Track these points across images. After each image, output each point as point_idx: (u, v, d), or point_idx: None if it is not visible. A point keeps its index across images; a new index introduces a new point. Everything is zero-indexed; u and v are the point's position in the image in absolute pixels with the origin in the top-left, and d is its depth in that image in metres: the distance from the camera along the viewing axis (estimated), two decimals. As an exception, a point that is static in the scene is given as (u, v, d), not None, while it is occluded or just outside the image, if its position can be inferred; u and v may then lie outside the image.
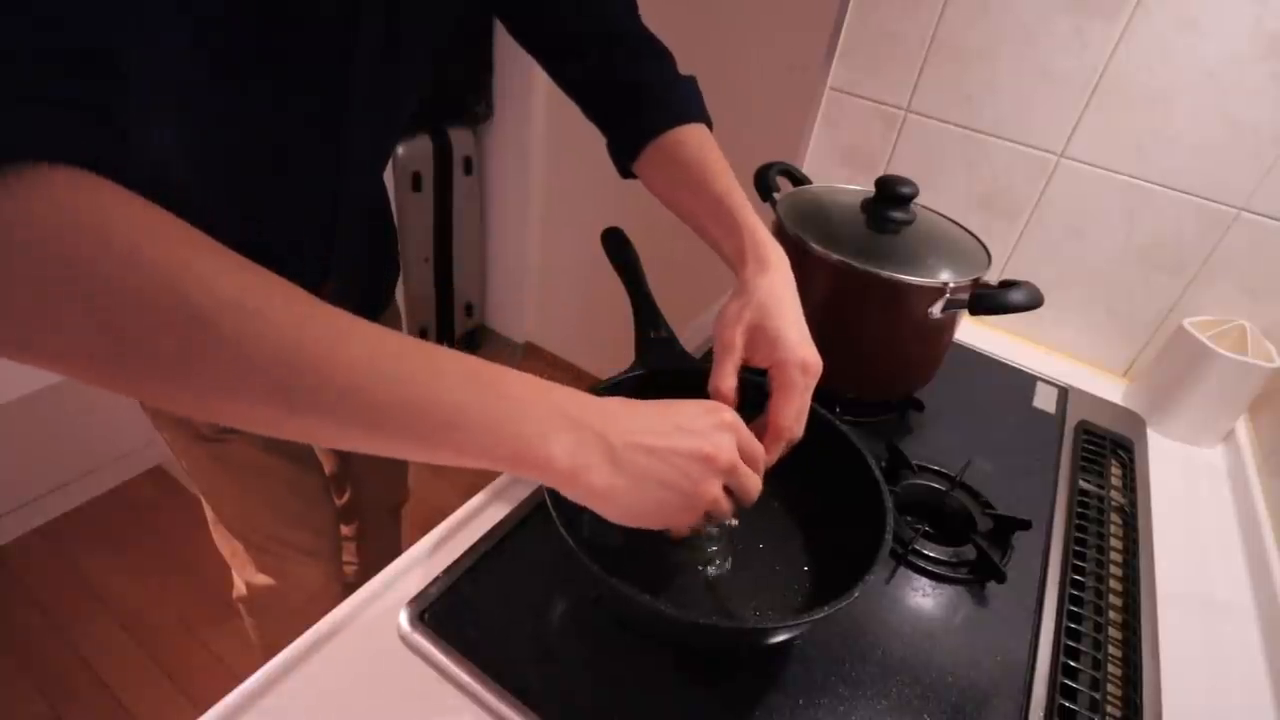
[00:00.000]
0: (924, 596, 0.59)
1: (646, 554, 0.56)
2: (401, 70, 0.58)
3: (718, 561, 0.56)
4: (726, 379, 0.54)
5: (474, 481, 0.60)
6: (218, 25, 0.45)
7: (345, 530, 0.99)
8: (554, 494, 0.47)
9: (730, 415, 0.45)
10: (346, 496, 0.96)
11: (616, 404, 0.42)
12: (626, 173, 0.70)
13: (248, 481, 0.76)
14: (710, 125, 0.67)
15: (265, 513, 0.79)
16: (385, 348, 0.35)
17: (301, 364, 0.32)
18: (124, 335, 0.29)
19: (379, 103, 0.58)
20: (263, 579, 0.84)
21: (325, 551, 0.85)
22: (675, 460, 0.42)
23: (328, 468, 0.91)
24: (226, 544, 0.83)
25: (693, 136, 0.65)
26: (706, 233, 0.62)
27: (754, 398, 0.53)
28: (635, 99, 0.66)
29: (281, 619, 0.86)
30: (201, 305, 0.29)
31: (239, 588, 0.87)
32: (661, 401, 0.44)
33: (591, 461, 0.39)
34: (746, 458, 0.45)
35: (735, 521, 0.60)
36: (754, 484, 0.45)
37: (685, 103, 0.66)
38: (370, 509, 0.98)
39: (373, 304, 0.81)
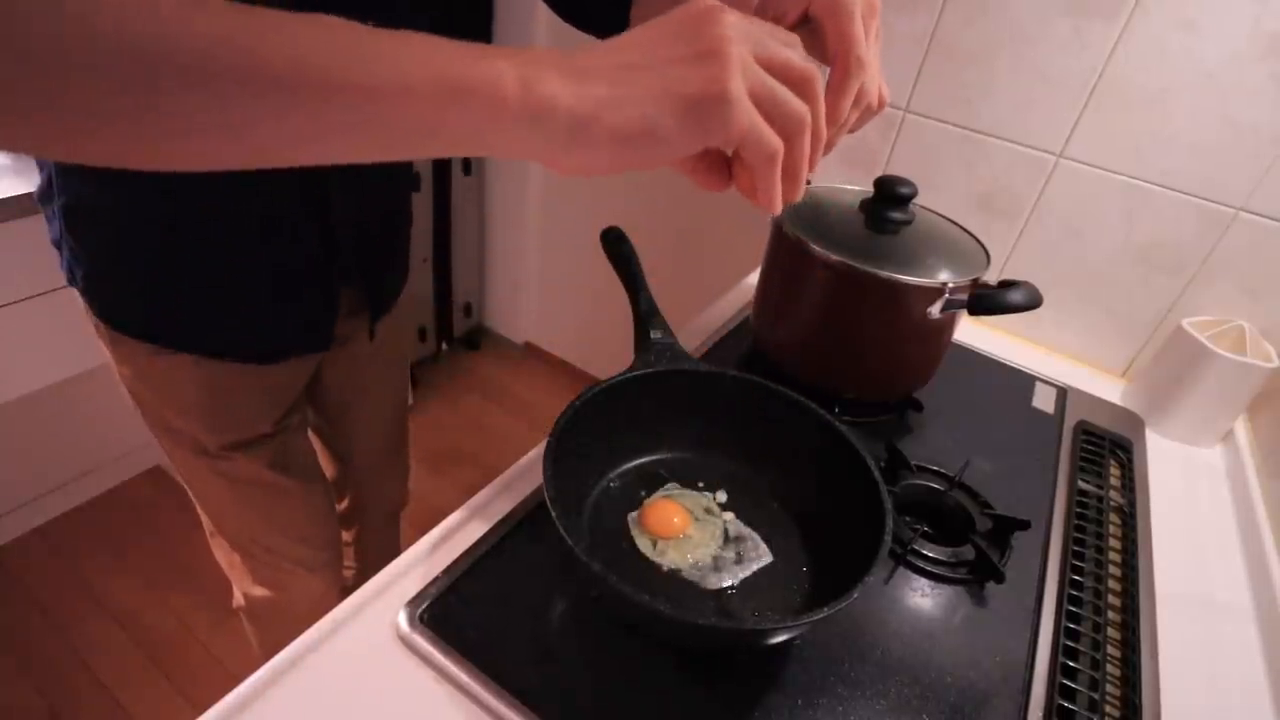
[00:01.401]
0: (923, 597, 0.59)
1: (646, 556, 0.56)
2: None
3: (722, 569, 0.57)
4: None
5: (474, 482, 0.60)
6: None
7: (344, 535, 0.98)
8: (554, 495, 0.48)
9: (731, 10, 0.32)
10: (346, 502, 0.96)
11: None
12: None
13: (250, 497, 0.75)
14: None
15: (266, 527, 0.78)
16: (280, 20, 0.28)
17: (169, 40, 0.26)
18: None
19: None
20: (261, 591, 0.83)
21: (326, 564, 0.84)
22: (658, 39, 0.31)
23: (329, 473, 0.91)
24: (225, 555, 0.82)
25: None
26: None
27: (748, 401, 0.50)
28: None
29: (282, 626, 0.85)
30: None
31: (238, 598, 0.87)
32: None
33: (545, 74, 0.30)
34: (782, 71, 0.32)
35: (723, 498, 0.60)
36: (800, 60, 0.32)
37: None
38: (370, 515, 0.98)
39: (382, 301, 0.80)
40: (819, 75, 0.33)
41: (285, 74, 0.28)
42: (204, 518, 0.80)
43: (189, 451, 0.71)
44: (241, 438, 0.71)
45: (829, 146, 0.39)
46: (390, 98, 0.29)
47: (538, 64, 0.30)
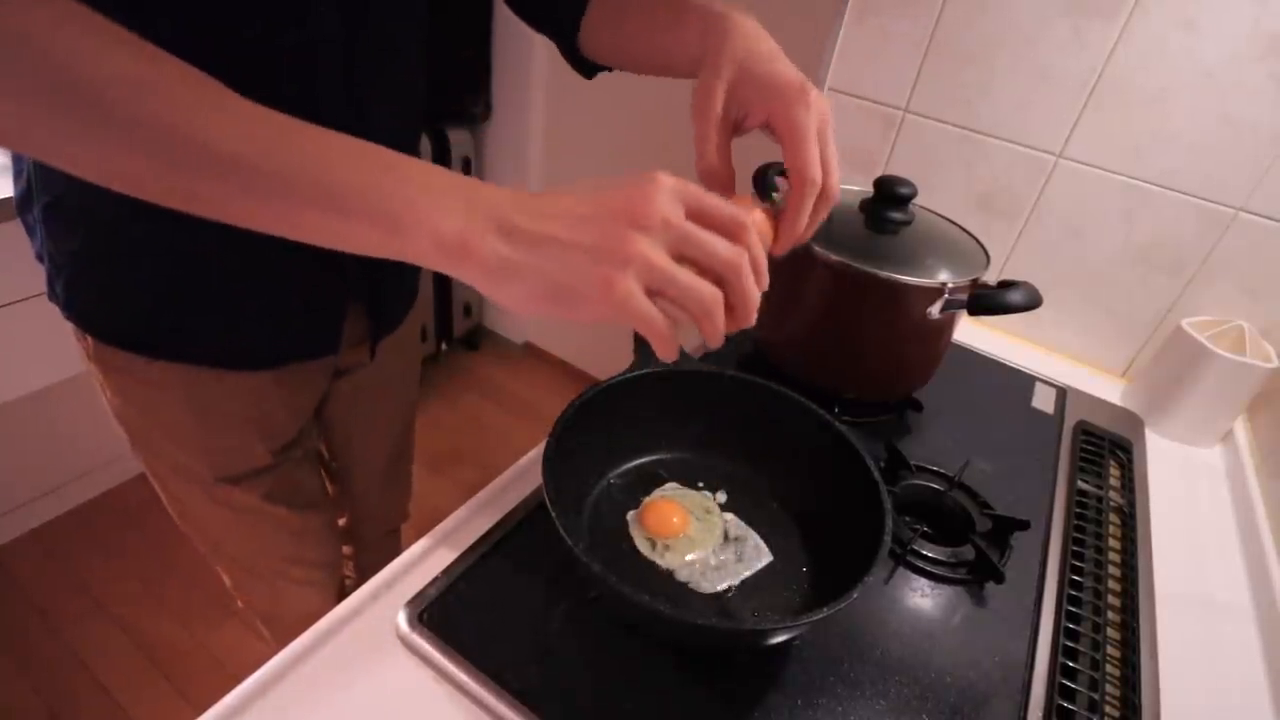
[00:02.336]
0: (923, 597, 0.59)
1: (647, 556, 0.56)
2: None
3: (722, 575, 0.56)
4: (712, 151, 0.47)
5: (474, 481, 0.60)
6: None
7: (344, 549, 0.97)
8: (553, 495, 0.48)
9: (670, 177, 0.37)
10: (345, 519, 0.94)
11: (525, 192, 0.38)
12: (582, 62, 0.66)
13: (245, 524, 0.72)
14: None
15: (260, 551, 0.76)
16: (270, 122, 0.35)
17: (188, 145, 0.34)
18: (28, 117, 0.33)
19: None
20: (253, 602, 0.82)
21: (323, 581, 0.83)
22: (585, 220, 0.36)
23: (329, 485, 0.89)
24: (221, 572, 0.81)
25: None
26: (662, 45, 0.54)
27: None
28: None
29: (283, 629, 0.84)
30: (93, 82, 0.32)
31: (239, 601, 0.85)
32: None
33: (482, 233, 0.36)
34: (714, 222, 0.38)
35: (723, 498, 0.60)
36: (725, 251, 0.37)
37: None
38: (369, 530, 0.97)
39: (386, 318, 0.74)
40: (743, 262, 0.37)
41: (277, 193, 0.35)
42: (193, 538, 0.77)
43: (179, 479, 0.68)
44: (238, 470, 0.67)
45: (788, 247, 0.46)
46: (348, 220, 0.36)
47: (484, 218, 0.36)
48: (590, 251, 0.35)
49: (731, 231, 0.38)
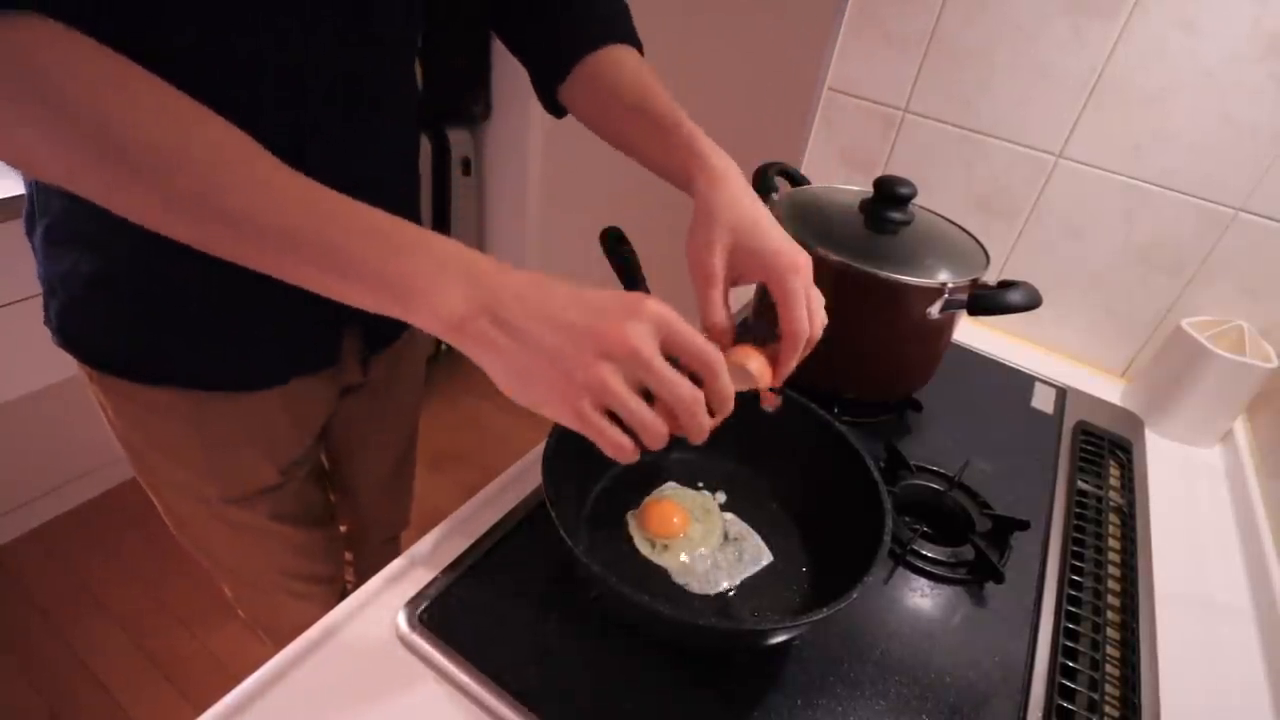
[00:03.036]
0: (922, 597, 0.59)
1: (646, 557, 0.56)
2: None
3: (722, 578, 0.56)
4: (718, 311, 0.51)
5: (474, 482, 0.60)
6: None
7: (345, 556, 0.97)
8: (553, 496, 0.48)
9: (656, 307, 0.40)
10: (346, 527, 0.94)
11: (527, 275, 0.41)
12: (553, 105, 0.66)
13: (248, 541, 0.72)
14: (640, 49, 0.64)
15: (263, 567, 0.75)
16: (294, 189, 0.38)
17: (210, 205, 0.37)
18: (62, 163, 0.36)
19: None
20: (258, 614, 0.82)
21: (326, 595, 0.82)
22: (564, 330, 0.39)
23: (331, 495, 0.89)
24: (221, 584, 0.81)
25: (624, 57, 0.61)
26: (646, 155, 0.59)
27: None
28: (554, 23, 0.62)
29: (281, 637, 0.83)
30: (123, 146, 0.36)
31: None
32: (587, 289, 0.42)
33: (476, 315, 0.39)
34: (688, 356, 0.41)
35: (723, 498, 0.60)
36: (681, 391, 0.40)
37: (611, 21, 0.62)
38: (370, 536, 0.96)
39: (380, 334, 0.71)
40: (695, 405, 0.41)
41: (295, 256, 0.39)
42: (193, 553, 0.75)
43: (184, 498, 0.67)
44: (245, 490, 0.67)
45: (782, 381, 0.50)
46: (357, 286, 0.39)
47: (480, 302, 0.39)
48: (558, 362, 0.39)
49: (701, 369, 0.42)
